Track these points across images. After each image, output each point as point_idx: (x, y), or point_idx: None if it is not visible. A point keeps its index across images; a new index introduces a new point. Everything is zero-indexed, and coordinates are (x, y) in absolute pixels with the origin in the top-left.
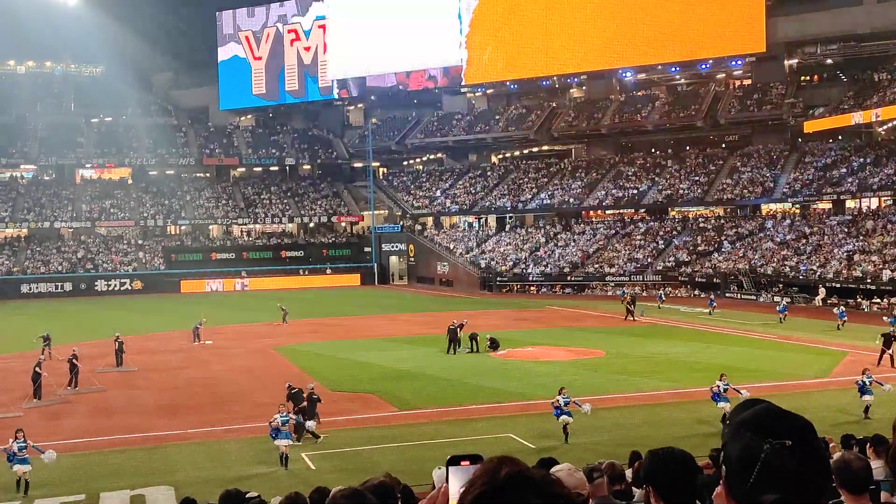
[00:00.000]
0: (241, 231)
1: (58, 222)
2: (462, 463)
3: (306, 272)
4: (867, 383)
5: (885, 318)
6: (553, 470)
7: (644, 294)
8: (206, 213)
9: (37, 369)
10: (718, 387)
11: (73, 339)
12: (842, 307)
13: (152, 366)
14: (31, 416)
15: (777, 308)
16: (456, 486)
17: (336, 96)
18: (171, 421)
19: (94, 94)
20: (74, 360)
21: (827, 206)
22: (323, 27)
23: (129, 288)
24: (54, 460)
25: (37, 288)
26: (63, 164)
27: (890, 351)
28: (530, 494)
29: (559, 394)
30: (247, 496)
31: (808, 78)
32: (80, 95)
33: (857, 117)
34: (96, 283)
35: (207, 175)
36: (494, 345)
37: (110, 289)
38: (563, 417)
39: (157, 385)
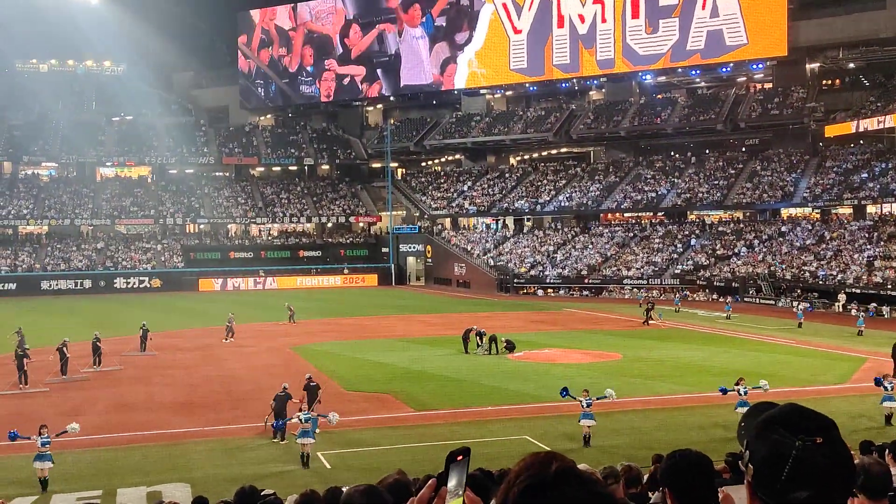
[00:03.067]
0: (260, 230)
1: (78, 220)
2: (458, 458)
3: (336, 272)
4: (888, 388)
5: None
6: None
7: (662, 297)
8: (225, 212)
9: (63, 349)
10: (739, 391)
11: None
12: (862, 314)
13: (170, 363)
14: (51, 409)
15: (796, 314)
16: (454, 482)
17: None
18: (188, 418)
19: (116, 92)
20: (97, 343)
21: (847, 211)
22: None
23: (148, 286)
24: (77, 430)
25: (57, 285)
26: (84, 162)
27: None
28: (578, 491)
29: (582, 395)
30: (262, 493)
31: (829, 82)
32: (102, 94)
33: (879, 122)
34: (115, 281)
35: (227, 174)
36: (511, 347)
37: (129, 286)
38: (584, 421)
39: (174, 382)
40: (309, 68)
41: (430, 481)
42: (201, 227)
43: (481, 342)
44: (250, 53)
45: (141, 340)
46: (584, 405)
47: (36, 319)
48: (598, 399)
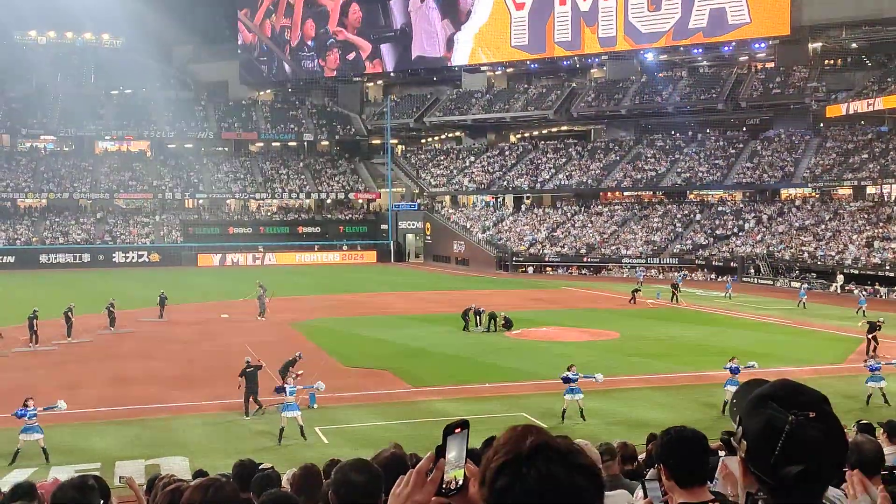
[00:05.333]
0: (259, 206)
1: (77, 194)
2: (455, 430)
3: (335, 248)
4: (876, 369)
5: None
6: None
7: (661, 277)
8: (224, 187)
9: (68, 314)
10: (729, 368)
11: (96, 310)
12: (863, 294)
13: (169, 337)
14: (52, 382)
15: (798, 293)
16: (454, 454)
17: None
18: (186, 392)
19: (115, 66)
20: (111, 308)
21: (847, 191)
22: None
23: (147, 260)
24: (64, 408)
25: (55, 258)
26: (83, 136)
27: (870, 336)
28: (555, 464)
29: (568, 370)
30: (260, 467)
31: (831, 62)
32: (101, 67)
33: (869, 104)
34: (114, 255)
35: (226, 149)
36: (509, 324)
37: (128, 261)
38: (569, 396)
39: (173, 357)
40: (311, 42)
41: (428, 454)
42: (200, 201)
43: (480, 320)
44: (253, 26)
45: (160, 307)
46: (572, 378)
47: (38, 292)
48: (585, 377)
